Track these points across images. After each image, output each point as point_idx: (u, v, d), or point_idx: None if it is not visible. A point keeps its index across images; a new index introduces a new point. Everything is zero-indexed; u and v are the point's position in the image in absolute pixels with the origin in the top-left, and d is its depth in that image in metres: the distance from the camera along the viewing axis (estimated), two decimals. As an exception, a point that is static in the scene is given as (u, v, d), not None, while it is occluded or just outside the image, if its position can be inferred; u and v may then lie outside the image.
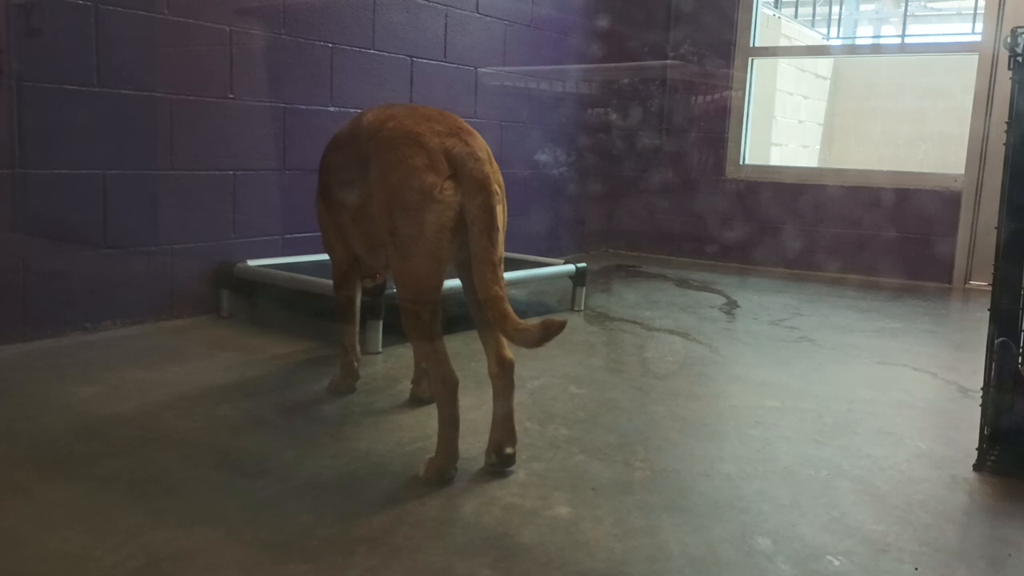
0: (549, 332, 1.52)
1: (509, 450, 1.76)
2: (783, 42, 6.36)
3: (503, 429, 1.77)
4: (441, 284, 1.72)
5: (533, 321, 1.56)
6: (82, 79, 2.57)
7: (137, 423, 1.96)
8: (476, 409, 2.09)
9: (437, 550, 1.41)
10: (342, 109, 3.36)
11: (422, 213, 1.65)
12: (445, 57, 3.87)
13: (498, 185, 1.70)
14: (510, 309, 1.57)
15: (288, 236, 3.25)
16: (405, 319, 1.73)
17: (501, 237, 1.66)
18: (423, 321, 1.71)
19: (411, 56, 3.68)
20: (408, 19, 3.64)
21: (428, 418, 2.05)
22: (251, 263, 3.03)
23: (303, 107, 3.23)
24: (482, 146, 1.72)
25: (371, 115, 1.88)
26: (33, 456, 1.75)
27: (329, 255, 2.21)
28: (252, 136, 3.10)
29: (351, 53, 3.39)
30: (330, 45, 3.29)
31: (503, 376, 1.77)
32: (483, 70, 4.10)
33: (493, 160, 1.74)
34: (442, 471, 1.70)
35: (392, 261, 1.76)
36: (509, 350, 1.76)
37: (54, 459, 1.74)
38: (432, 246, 1.66)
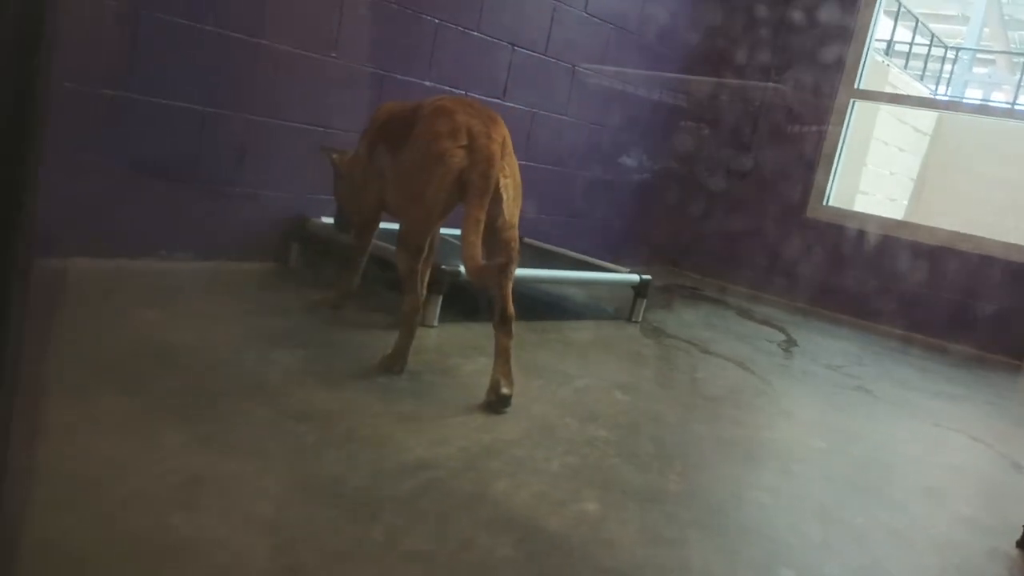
0: (493, 270, 1.99)
1: (505, 390, 2.04)
2: (888, 90, 6.23)
3: (501, 372, 2.06)
4: (429, 231, 2.17)
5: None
6: (197, 16, 2.66)
7: (194, 352, 2.03)
8: (520, 396, 2.10)
9: (463, 521, 1.43)
10: (437, 85, 3.40)
11: (429, 170, 2.05)
12: (546, 51, 3.88)
13: (508, 167, 2.08)
14: (478, 254, 1.93)
15: (365, 200, 3.30)
16: (398, 248, 2.17)
17: (507, 208, 2.06)
18: (409, 254, 2.14)
19: (512, 44, 3.70)
20: (515, 7, 3.67)
21: (470, 396, 2.07)
22: (324, 220, 3.09)
23: (400, 77, 3.28)
24: (500, 133, 2.09)
25: (431, 98, 2.25)
26: (94, 366, 1.82)
27: (354, 203, 2.60)
28: (347, 97, 3.16)
29: (455, 31, 3.42)
30: (436, 21, 3.34)
31: (503, 326, 2.08)
32: (581, 69, 4.10)
33: (508, 146, 2.11)
34: (390, 365, 2.14)
35: (399, 201, 2.23)
36: (511, 306, 2.08)
37: (113, 372, 1.81)
38: (429, 199, 2.06)
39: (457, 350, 2.46)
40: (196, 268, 2.82)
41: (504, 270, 2.03)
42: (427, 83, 3.36)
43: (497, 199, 2.04)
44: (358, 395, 1.95)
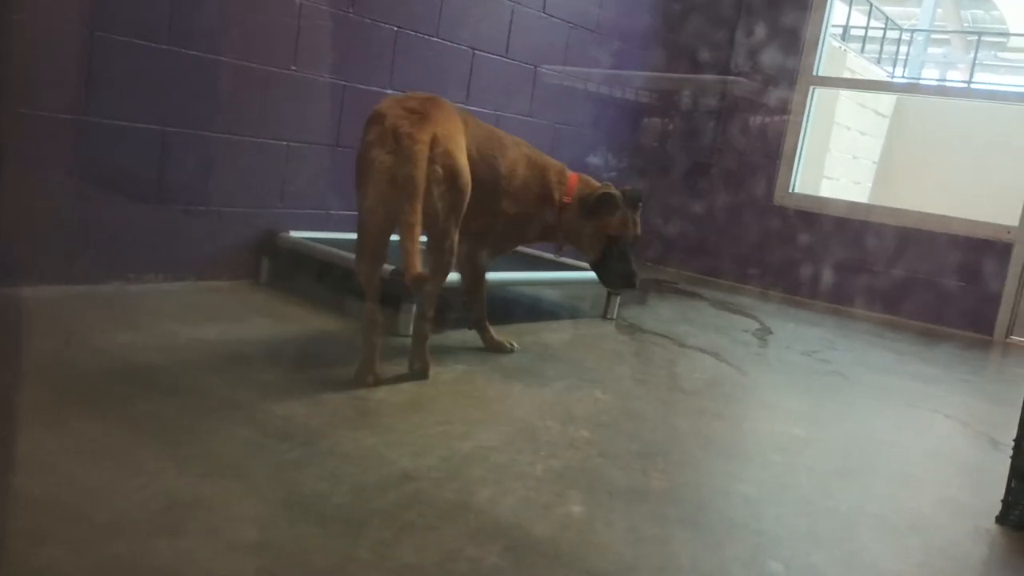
0: (425, 281, 1.95)
1: (417, 366, 2.23)
2: (846, 75, 6.29)
3: (416, 353, 2.24)
4: (375, 239, 2.09)
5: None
6: (153, 35, 2.62)
7: (171, 373, 2.00)
8: (500, 400, 2.10)
9: (449, 531, 1.42)
10: (401, 92, 3.38)
11: (365, 179, 2.03)
12: (507, 53, 3.88)
13: (442, 166, 2.03)
14: (417, 262, 1.90)
15: (334, 212, 3.29)
16: (355, 258, 2.17)
17: (440, 211, 2.05)
18: (362, 263, 2.13)
19: (473, 48, 3.69)
20: (474, 11, 3.66)
21: (449, 404, 2.06)
22: (294, 234, 3.07)
23: (362, 87, 3.26)
24: (429, 130, 2.00)
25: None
26: (71, 392, 1.79)
27: None
28: (309, 110, 3.14)
29: (414, 38, 3.41)
30: (395, 28, 3.32)
31: (423, 321, 2.21)
32: (543, 70, 4.11)
33: (442, 143, 2.03)
34: (361, 378, 2.11)
35: None
36: (432, 310, 2.20)
37: (90, 397, 1.78)
38: (368, 208, 2.04)
39: (433, 358, 2.44)
40: (166, 289, 2.79)
41: (431, 299, 2.16)
42: (389, 91, 3.34)
43: (431, 200, 2.01)
44: (338, 409, 1.93)
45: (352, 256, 2.80)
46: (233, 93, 2.89)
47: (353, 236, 3.24)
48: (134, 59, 2.60)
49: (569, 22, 4.21)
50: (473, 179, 2.19)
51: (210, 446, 1.63)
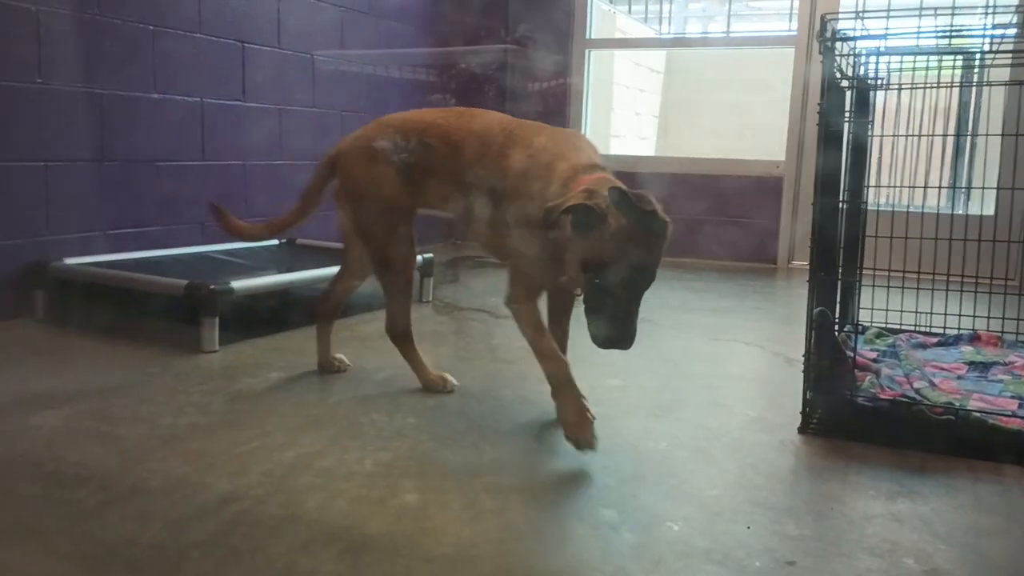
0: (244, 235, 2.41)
1: None
2: (618, 36, 6.56)
3: None
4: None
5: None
6: None
7: (-65, 438, 1.77)
8: (321, 403, 2.03)
9: (278, 548, 1.35)
10: (167, 96, 3.17)
11: None
12: (279, 44, 3.73)
13: (339, 178, 2.24)
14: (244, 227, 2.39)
15: (112, 232, 3.04)
16: None
17: (343, 215, 2.25)
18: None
19: (242, 41, 3.51)
20: (238, 2, 3.48)
21: (267, 415, 1.97)
22: (69, 261, 2.81)
23: (123, 93, 3.02)
24: (334, 151, 2.28)
25: None
26: None
27: None
28: (66, 124, 2.87)
29: (174, 36, 3.19)
30: (151, 27, 3.09)
31: None
32: (319, 56, 3.98)
33: (344, 159, 2.24)
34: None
35: None
36: None
37: None
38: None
39: (244, 370, 2.32)
40: (-78, 343, 2.47)
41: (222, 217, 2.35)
42: (155, 95, 3.12)
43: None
44: (140, 443, 1.79)
45: (141, 277, 2.64)
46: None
47: (135, 256, 3.05)
48: None
49: (341, 6, 4.10)
50: (468, 184, 2.15)
51: (-8, 509, 1.46)
